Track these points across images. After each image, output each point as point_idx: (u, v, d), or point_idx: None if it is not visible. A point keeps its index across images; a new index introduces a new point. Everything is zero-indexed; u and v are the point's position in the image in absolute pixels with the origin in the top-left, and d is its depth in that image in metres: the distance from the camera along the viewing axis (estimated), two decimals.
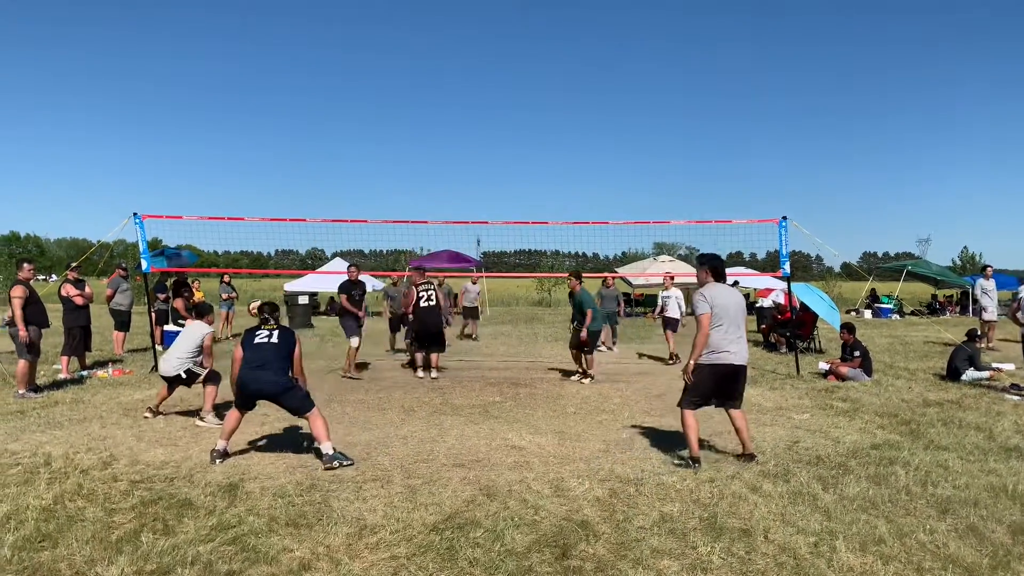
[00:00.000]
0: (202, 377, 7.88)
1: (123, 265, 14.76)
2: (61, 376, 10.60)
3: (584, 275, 11.41)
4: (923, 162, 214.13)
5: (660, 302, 14.32)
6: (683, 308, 13.46)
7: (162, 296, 14.29)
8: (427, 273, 11.98)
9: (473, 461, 6.14)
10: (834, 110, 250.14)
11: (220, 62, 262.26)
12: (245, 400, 6.22)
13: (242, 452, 6.39)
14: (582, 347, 10.74)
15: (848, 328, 11.19)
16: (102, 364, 11.86)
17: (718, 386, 6.03)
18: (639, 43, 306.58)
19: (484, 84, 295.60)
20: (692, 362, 5.98)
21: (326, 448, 5.98)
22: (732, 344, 5.98)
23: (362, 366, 11.98)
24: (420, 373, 11.27)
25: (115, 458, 6.16)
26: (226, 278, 18.53)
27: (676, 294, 13.84)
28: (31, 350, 9.13)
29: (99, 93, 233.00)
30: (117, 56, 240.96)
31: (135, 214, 11.46)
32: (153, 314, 13.01)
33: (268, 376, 6.11)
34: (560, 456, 6.32)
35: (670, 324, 13.73)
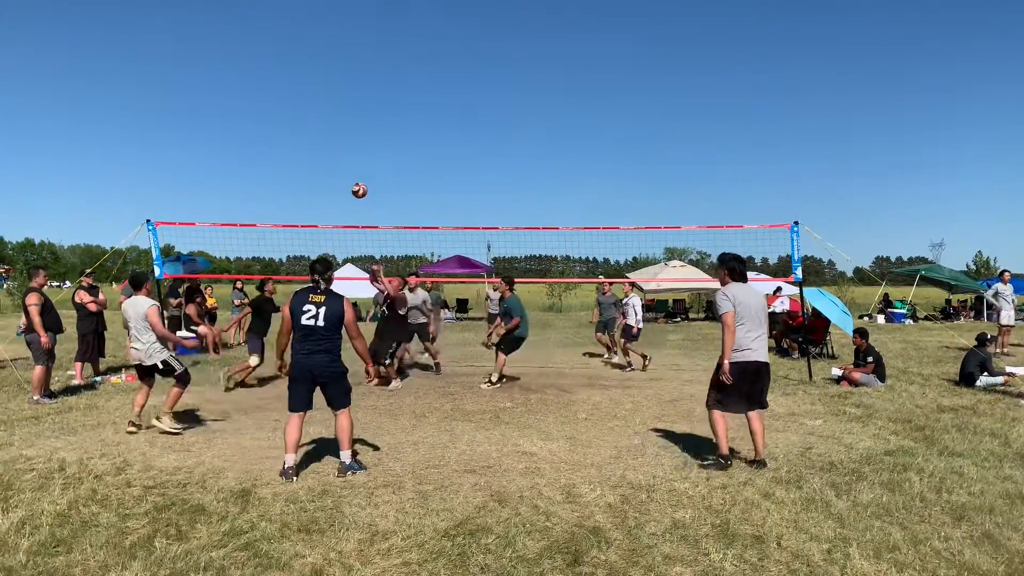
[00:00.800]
0: (177, 372, 7.54)
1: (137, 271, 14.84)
2: (75, 382, 10.67)
3: (605, 280, 11.47)
4: (937, 165, 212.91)
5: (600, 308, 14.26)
6: (640, 315, 13.42)
7: (174, 302, 14.38)
8: (416, 279, 11.97)
9: (484, 467, 6.14)
10: (845, 113, 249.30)
11: (233, 69, 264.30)
12: (300, 387, 5.91)
13: (254, 458, 6.41)
14: (498, 347, 10.97)
15: (861, 333, 11.11)
16: (115, 370, 11.94)
17: (743, 384, 6.09)
18: (644, 47, 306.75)
19: (494, 89, 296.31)
20: (727, 361, 6.05)
21: (345, 456, 5.97)
22: (754, 342, 6.10)
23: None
24: (395, 383, 10.62)
25: (129, 464, 6.20)
26: (239, 284, 18.61)
27: (634, 301, 13.64)
28: (47, 356, 9.21)
29: (113, 100, 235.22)
30: (132, 62, 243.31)
31: (148, 221, 11.55)
32: (166, 320, 13.09)
33: (322, 359, 5.88)
34: (571, 462, 6.31)
35: (627, 331, 13.52)
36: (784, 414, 8.54)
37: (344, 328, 6.00)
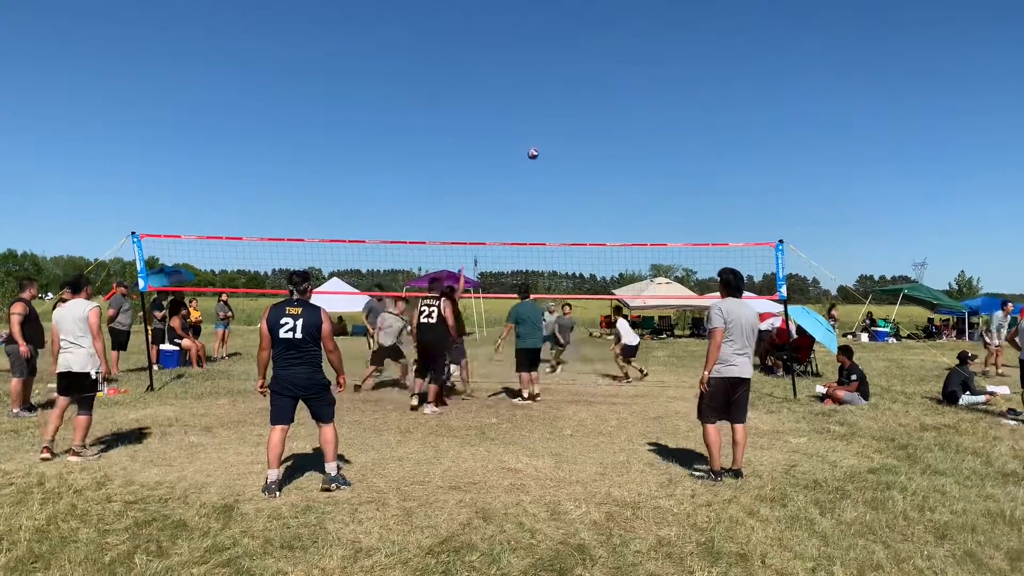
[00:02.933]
0: (93, 394, 7.05)
1: (123, 283, 14.74)
2: (55, 395, 10.52)
3: (581, 297, 11.51)
4: (921, 185, 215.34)
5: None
6: (631, 332, 13.91)
7: (159, 315, 14.28)
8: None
9: (469, 483, 6.12)
10: (831, 131, 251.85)
11: (217, 82, 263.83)
12: (281, 401, 5.81)
13: (237, 473, 6.36)
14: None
15: (846, 351, 11.20)
16: None
17: (724, 397, 6.24)
18: (629, 59, 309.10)
19: (480, 102, 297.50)
20: (706, 374, 6.20)
21: (330, 468, 5.93)
22: (739, 358, 6.21)
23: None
24: (414, 402, 9.98)
25: (109, 478, 6.12)
26: (223, 297, 18.50)
27: (621, 325, 13.93)
28: (27, 369, 9.11)
29: (97, 110, 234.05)
30: (114, 75, 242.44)
31: (133, 233, 11.49)
32: (150, 333, 13.02)
33: (303, 372, 5.80)
34: (556, 479, 6.30)
35: (626, 349, 13.72)
36: (769, 431, 8.57)
37: (321, 340, 5.87)
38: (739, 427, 6.34)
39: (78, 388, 6.94)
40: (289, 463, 6.72)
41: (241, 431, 8.28)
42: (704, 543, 4.69)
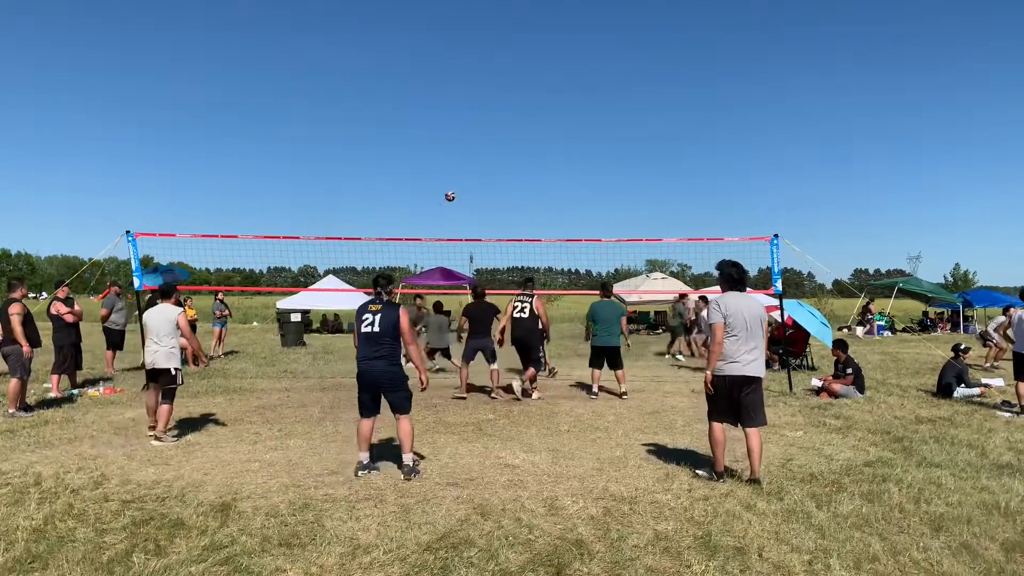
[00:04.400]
0: (174, 386, 7.78)
1: (117, 283, 14.70)
2: (51, 395, 10.52)
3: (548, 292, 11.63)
4: (915, 178, 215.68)
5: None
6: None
7: None
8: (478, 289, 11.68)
9: (467, 480, 6.12)
10: (825, 125, 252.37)
11: (210, 79, 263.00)
12: (364, 394, 6.33)
13: (234, 471, 6.36)
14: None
15: (840, 345, 11.23)
16: (93, 382, 11.79)
17: (731, 397, 5.97)
18: (625, 56, 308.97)
19: (476, 99, 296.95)
20: (710, 372, 6.00)
21: (407, 459, 6.26)
22: (745, 354, 5.89)
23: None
24: (517, 392, 10.68)
25: (106, 478, 6.12)
26: (220, 295, 18.47)
27: None
28: (25, 370, 9.11)
29: (91, 109, 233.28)
30: (108, 73, 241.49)
31: (128, 232, 11.45)
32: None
33: (380, 365, 6.25)
34: (554, 474, 6.31)
35: None
36: (765, 425, 8.58)
37: (400, 335, 6.30)
38: (752, 432, 5.97)
39: (162, 381, 7.71)
40: (290, 458, 6.73)
41: (238, 429, 8.28)
42: (701, 537, 4.71)
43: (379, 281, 6.54)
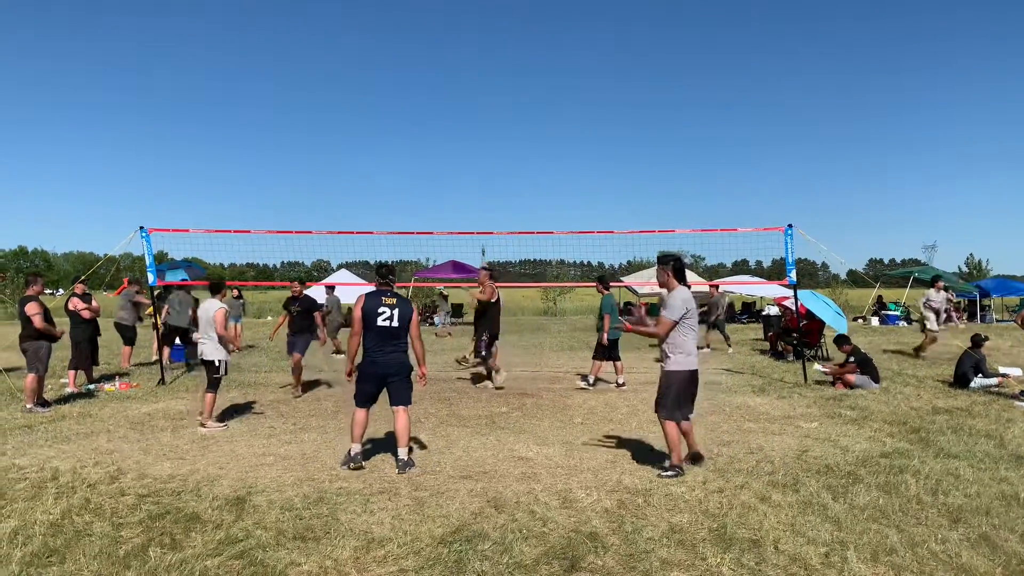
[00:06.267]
0: (217, 376, 8.15)
1: (137, 279, 14.78)
2: (68, 390, 10.61)
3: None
4: (930, 167, 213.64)
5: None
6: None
7: (166, 308, 14.29)
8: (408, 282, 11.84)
9: (480, 473, 6.12)
10: (839, 115, 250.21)
11: (225, 75, 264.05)
12: (370, 385, 6.32)
13: (249, 465, 6.38)
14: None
15: (841, 341, 11.30)
16: (109, 378, 11.88)
17: (690, 392, 6.09)
18: (637, 48, 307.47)
19: (488, 93, 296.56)
20: (686, 370, 6.03)
21: (403, 452, 6.28)
22: (696, 348, 6.12)
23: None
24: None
25: (122, 472, 6.16)
26: (234, 292, 18.55)
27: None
28: (43, 366, 9.20)
29: (106, 106, 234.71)
30: (123, 69, 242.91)
31: (141, 228, 11.51)
32: (159, 329, 13.10)
33: (397, 357, 6.33)
34: (567, 467, 6.30)
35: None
36: (780, 417, 8.55)
37: (409, 329, 6.39)
38: (686, 423, 6.16)
39: (207, 372, 8.21)
40: (305, 452, 6.75)
41: (252, 423, 8.32)
42: (716, 529, 4.68)
43: (384, 272, 6.49)
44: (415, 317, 6.40)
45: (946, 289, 15.19)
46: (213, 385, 8.15)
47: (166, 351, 13.13)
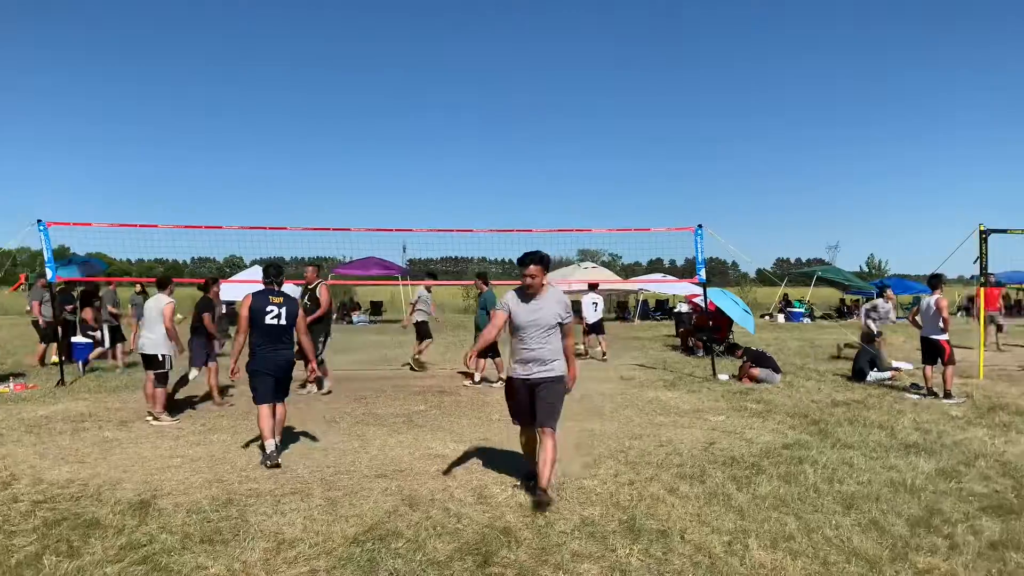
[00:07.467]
0: (162, 371, 8.21)
1: (41, 275, 14.06)
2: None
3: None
4: (833, 170, 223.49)
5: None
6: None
7: (69, 307, 13.66)
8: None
9: (396, 471, 6.10)
10: (748, 120, 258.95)
11: (123, 63, 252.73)
12: (264, 382, 6.41)
13: (154, 468, 6.17)
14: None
15: (733, 348, 12.40)
16: (3, 379, 11.25)
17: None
18: (552, 51, 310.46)
19: (404, 89, 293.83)
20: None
21: (271, 444, 6.31)
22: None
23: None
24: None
25: (16, 478, 5.85)
26: (138, 287, 17.80)
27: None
28: None
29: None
30: (16, 58, 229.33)
31: (39, 220, 10.95)
32: (103, 326, 12.62)
33: (286, 355, 6.55)
34: (484, 464, 6.34)
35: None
36: (689, 411, 8.83)
37: (296, 325, 6.63)
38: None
39: (152, 366, 8.24)
40: (213, 454, 6.57)
41: (158, 424, 8.03)
42: (626, 521, 4.81)
43: (271, 272, 6.70)
44: (301, 314, 6.65)
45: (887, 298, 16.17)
46: (161, 380, 8.20)
47: (53, 348, 12.57)
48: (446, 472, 6.01)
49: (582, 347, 14.81)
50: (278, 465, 6.15)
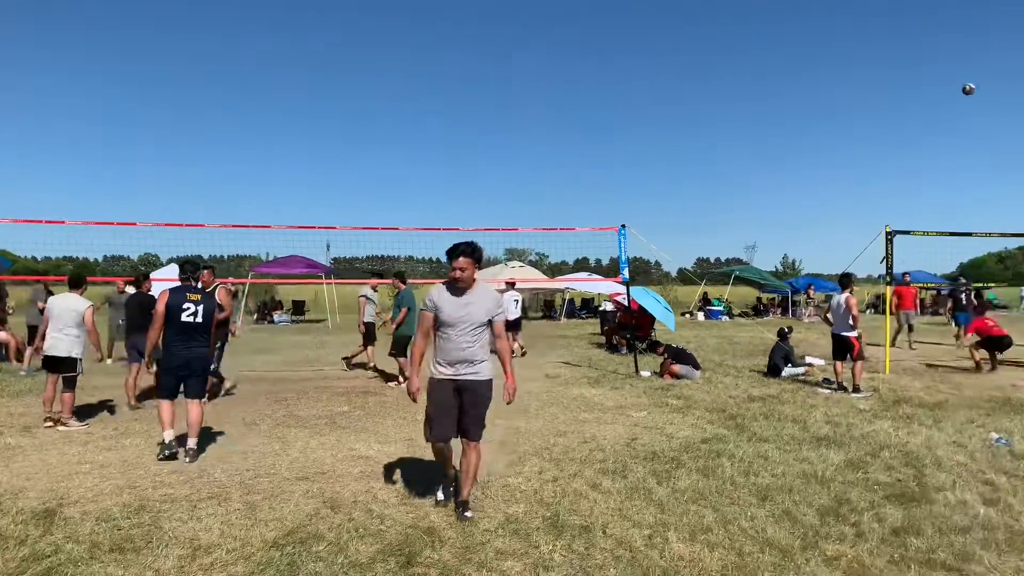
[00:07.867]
0: (74, 374, 7.89)
1: None
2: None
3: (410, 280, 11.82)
4: (750, 172, 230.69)
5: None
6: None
7: None
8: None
9: (318, 473, 5.99)
10: (671, 125, 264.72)
11: (123, 63, 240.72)
12: (172, 378, 6.48)
13: (61, 475, 5.88)
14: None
15: (655, 345, 12.79)
16: None
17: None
18: (479, 54, 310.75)
19: (334, 85, 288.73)
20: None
21: (193, 443, 6.40)
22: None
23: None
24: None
25: None
26: (42, 285, 16.93)
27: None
28: None
29: None
30: (16, 58, 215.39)
31: None
32: None
33: (200, 352, 6.57)
34: (408, 464, 6.28)
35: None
36: (613, 407, 8.97)
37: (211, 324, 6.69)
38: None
39: (63, 369, 7.85)
40: (125, 458, 6.31)
41: (64, 430, 7.66)
42: (550, 518, 4.85)
43: (188, 268, 6.68)
44: (219, 312, 6.77)
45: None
46: (70, 384, 7.85)
47: None
48: (369, 474, 5.94)
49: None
50: (175, 457, 6.21)
